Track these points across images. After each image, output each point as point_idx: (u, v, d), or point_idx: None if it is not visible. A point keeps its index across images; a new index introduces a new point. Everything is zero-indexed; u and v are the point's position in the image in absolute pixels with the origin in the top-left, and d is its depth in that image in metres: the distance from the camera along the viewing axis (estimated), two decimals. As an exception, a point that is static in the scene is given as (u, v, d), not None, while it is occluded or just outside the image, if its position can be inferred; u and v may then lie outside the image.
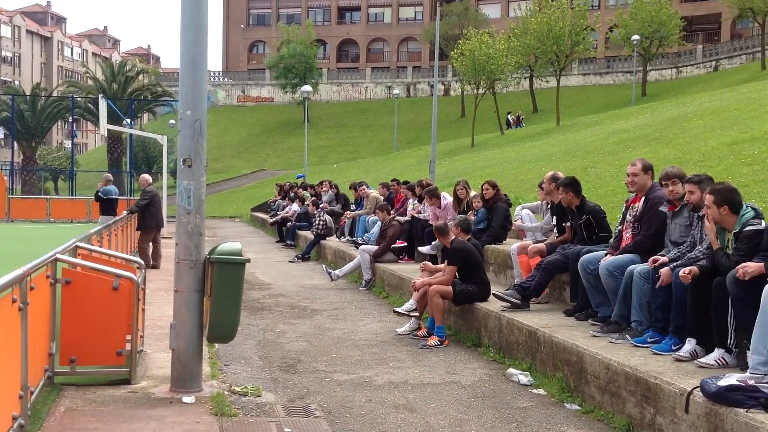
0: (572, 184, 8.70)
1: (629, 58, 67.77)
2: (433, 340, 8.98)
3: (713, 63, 71.97)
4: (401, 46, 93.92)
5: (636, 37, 58.46)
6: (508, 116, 59.17)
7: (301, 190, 26.77)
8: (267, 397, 6.80)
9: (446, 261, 9.51)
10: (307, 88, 44.49)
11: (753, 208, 6.21)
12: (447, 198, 13.16)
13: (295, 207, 23.99)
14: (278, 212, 26.40)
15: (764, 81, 41.05)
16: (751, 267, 5.67)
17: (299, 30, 78.90)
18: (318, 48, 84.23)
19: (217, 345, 8.43)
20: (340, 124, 79.63)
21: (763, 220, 6.12)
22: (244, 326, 9.49)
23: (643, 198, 7.62)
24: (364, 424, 6.15)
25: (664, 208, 7.29)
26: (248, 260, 6.60)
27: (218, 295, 6.41)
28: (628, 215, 7.82)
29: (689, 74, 72.32)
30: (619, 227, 7.94)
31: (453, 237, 9.50)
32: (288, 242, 22.14)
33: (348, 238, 17.69)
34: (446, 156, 44.21)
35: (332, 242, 18.32)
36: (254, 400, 6.66)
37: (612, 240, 8.09)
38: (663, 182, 7.32)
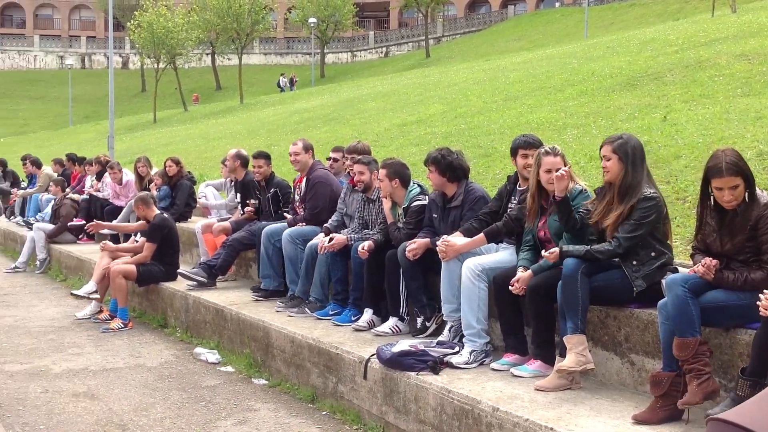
0: (266, 156, 8.84)
1: (308, 40, 69.86)
2: (116, 323, 8.67)
3: (384, 49, 76.57)
4: (73, 13, 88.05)
5: (312, 19, 60.43)
6: (281, 78, 57.70)
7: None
8: (-75, 397, 6.15)
9: (145, 237, 9.19)
10: (-36, 53, 40.29)
11: (419, 185, 6.76)
12: (129, 175, 12.69)
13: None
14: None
15: (429, 68, 44.59)
16: (417, 245, 6.08)
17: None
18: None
19: None
20: (5, 95, 73.08)
21: (427, 196, 6.66)
22: None
23: (305, 178, 7.96)
24: (40, 416, 5.79)
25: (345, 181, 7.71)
26: None
27: None
28: (296, 195, 8.16)
29: (363, 59, 76.29)
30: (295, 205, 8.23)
31: (157, 212, 9.19)
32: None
33: (20, 218, 16.37)
34: (127, 132, 42.52)
35: (0, 223, 16.84)
36: None
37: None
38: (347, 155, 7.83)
